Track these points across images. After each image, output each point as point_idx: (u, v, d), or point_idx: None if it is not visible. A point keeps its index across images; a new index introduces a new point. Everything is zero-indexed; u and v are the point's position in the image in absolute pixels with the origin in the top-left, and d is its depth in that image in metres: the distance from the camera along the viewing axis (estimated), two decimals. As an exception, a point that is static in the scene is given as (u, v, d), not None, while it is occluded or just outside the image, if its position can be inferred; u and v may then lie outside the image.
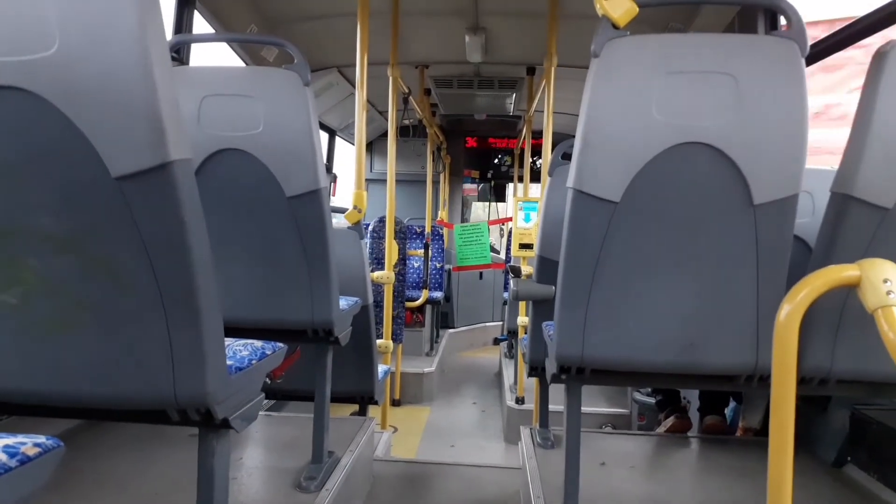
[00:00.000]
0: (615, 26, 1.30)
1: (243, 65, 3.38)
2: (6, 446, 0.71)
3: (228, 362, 1.12)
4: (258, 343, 1.30)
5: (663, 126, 1.30)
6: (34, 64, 0.89)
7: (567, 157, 2.19)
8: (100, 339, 1.02)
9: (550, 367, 1.51)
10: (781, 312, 0.91)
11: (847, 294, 1.22)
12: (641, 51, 1.31)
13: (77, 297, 1.00)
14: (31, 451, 0.72)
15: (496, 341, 5.96)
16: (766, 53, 1.30)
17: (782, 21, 2.51)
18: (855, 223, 1.24)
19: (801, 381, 0.98)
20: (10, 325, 1.01)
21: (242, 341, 1.29)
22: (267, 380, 1.31)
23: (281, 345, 1.35)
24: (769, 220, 1.32)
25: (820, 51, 2.11)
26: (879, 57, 1.21)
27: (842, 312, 1.26)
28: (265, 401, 1.66)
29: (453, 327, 6.46)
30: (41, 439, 0.75)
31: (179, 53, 2.55)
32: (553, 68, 3.04)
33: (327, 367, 1.89)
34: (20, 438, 0.74)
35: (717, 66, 1.30)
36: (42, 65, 0.89)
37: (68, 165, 0.94)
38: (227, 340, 1.19)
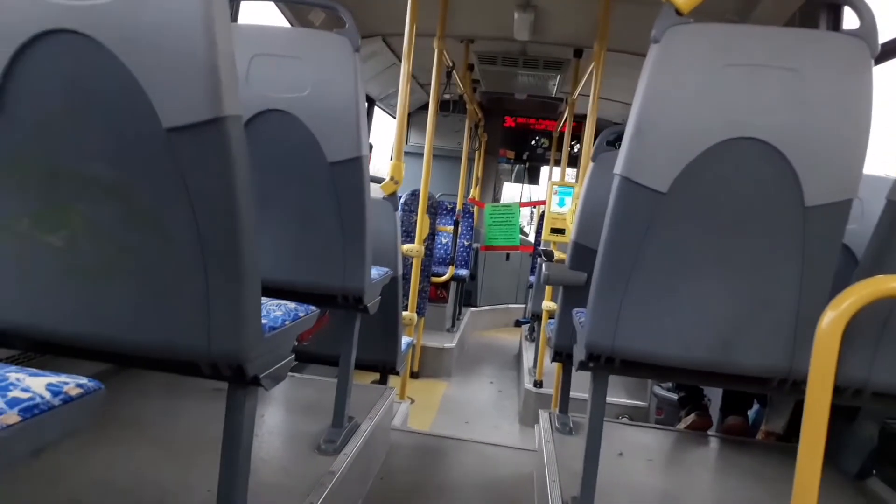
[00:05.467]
0: (678, 12, 1.26)
1: (289, 26, 3.37)
2: (50, 384, 0.72)
3: (262, 321, 1.14)
4: (292, 304, 1.31)
5: (719, 118, 1.26)
6: (95, 9, 0.90)
7: (611, 143, 2.16)
8: (140, 287, 1.04)
9: (578, 354, 1.49)
10: (824, 319, 0.89)
11: (893, 305, 1.18)
12: (703, 39, 1.27)
13: (121, 244, 1.02)
14: (74, 392, 0.74)
15: (518, 323, 5.97)
16: (834, 51, 1.25)
17: (846, 20, 2.42)
18: None
19: (836, 390, 0.96)
20: (54, 267, 1.04)
21: (276, 302, 1.30)
22: (294, 341, 1.33)
23: (314, 308, 1.36)
24: (820, 224, 1.28)
25: (889, 50, 2.01)
26: None
27: (885, 323, 1.23)
28: None
29: (476, 306, 6.48)
30: (83, 380, 0.76)
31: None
32: (603, 52, 2.97)
33: (354, 333, 1.91)
34: (63, 378, 0.75)
35: (781, 60, 1.25)
36: (102, 10, 0.90)
37: (121, 113, 0.94)
38: (262, 300, 1.20)
